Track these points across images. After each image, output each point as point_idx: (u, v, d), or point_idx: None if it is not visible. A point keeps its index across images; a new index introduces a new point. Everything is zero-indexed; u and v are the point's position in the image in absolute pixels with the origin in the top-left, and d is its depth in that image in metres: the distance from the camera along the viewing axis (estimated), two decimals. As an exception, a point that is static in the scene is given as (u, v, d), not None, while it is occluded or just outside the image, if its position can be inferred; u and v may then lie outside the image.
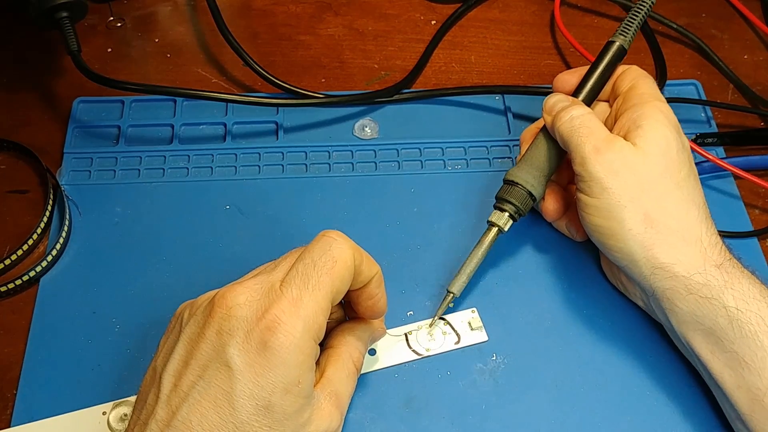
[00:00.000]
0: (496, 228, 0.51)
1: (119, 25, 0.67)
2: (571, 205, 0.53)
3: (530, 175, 0.50)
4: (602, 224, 0.46)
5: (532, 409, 0.48)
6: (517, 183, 0.50)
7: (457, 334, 0.51)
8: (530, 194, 0.50)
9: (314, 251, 0.39)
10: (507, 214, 0.51)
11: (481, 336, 0.50)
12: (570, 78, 0.53)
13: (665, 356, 0.50)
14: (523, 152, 0.53)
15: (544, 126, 0.51)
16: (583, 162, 0.47)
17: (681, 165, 0.47)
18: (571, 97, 0.51)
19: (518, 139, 0.60)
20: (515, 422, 0.47)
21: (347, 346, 0.44)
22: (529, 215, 0.56)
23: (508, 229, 0.51)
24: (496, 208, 0.51)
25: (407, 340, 0.50)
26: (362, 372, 0.49)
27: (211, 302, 0.38)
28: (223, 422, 0.36)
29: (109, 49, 0.65)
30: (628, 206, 0.45)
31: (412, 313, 0.51)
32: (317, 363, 0.41)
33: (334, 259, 0.39)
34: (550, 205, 0.52)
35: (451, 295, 0.50)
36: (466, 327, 0.51)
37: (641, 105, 0.48)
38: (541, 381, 0.49)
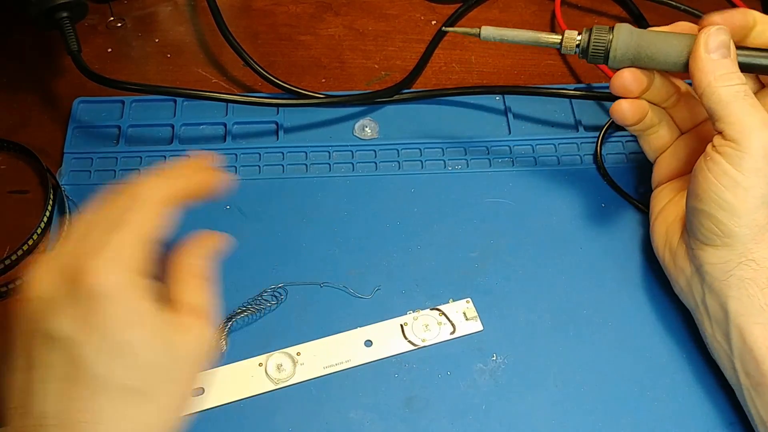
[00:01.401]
0: (559, 37, 0.48)
1: (119, 25, 0.67)
2: (662, 123, 0.51)
3: (630, 36, 0.47)
4: (728, 199, 0.44)
5: (533, 409, 0.48)
6: (612, 30, 0.47)
7: (453, 325, 0.51)
8: (607, 48, 0.47)
9: (124, 195, 0.39)
10: (578, 35, 0.48)
11: (476, 326, 0.51)
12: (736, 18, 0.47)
13: (666, 356, 0.50)
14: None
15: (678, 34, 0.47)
16: (743, 131, 0.44)
17: None
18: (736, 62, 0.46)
19: (518, 139, 0.60)
20: (515, 422, 0.47)
21: (186, 257, 0.41)
22: (530, 215, 0.56)
23: (567, 48, 0.48)
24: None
25: (403, 330, 0.50)
26: (360, 365, 0.49)
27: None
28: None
29: (109, 49, 0.65)
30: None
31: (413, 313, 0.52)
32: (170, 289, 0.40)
33: (130, 193, 0.38)
34: (628, 79, 0.48)
35: (478, 31, 0.47)
36: (461, 317, 0.51)
37: None
38: (542, 381, 0.49)
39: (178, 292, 0.39)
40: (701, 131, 0.52)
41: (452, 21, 0.68)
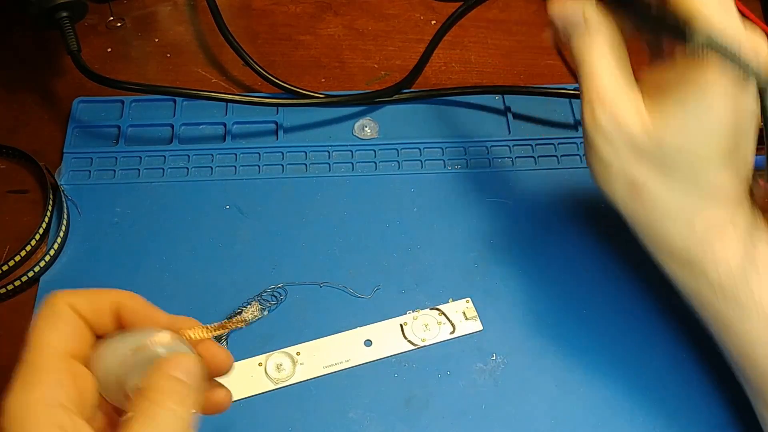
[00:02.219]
0: None
1: (119, 25, 0.67)
2: None
3: None
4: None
5: (532, 409, 0.48)
6: None
7: (452, 324, 0.51)
8: None
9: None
10: None
11: (476, 326, 0.51)
12: None
13: (666, 356, 0.50)
14: None
15: None
16: None
17: None
18: None
19: (518, 139, 0.60)
20: (515, 422, 0.47)
21: (159, 398, 0.33)
22: (530, 215, 0.56)
23: None
24: None
25: (402, 330, 0.50)
26: (360, 365, 0.49)
27: None
28: None
29: (109, 49, 0.65)
30: None
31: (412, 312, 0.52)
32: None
33: (42, 318, 0.34)
34: None
35: None
36: (461, 317, 0.51)
37: None
38: (541, 381, 0.49)
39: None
40: None
41: (452, 21, 0.68)
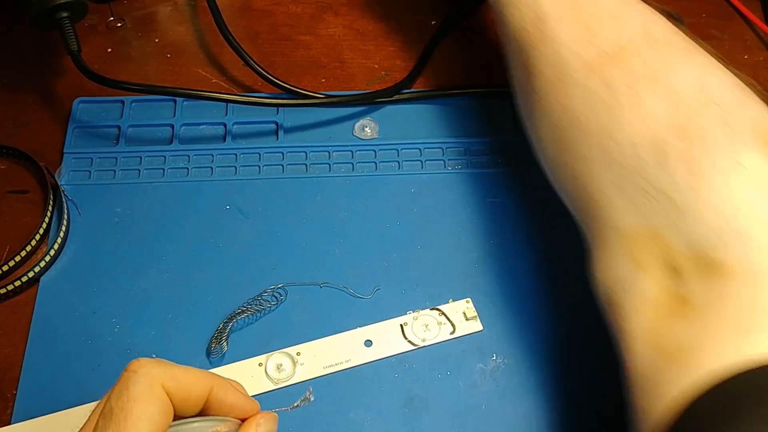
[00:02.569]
0: None
1: (119, 25, 0.67)
2: None
3: None
4: None
5: (533, 409, 0.48)
6: None
7: (452, 324, 0.51)
8: None
9: (111, 397, 0.32)
10: None
11: (476, 326, 0.51)
12: None
13: (665, 356, 0.50)
14: None
15: None
16: None
17: None
18: None
19: (518, 139, 0.60)
20: (515, 422, 0.47)
21: None
22: (530, 215, 0.56)
23: None
24: None
25: (403, 330, 0.50)
26: (360, 365, 0.49)
27: None
28: None
29: (109, 49, 0.65)
30: None
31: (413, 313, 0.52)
32: None
33: (133, 399, 0.31)
34: None
35: None
36: (461, 317, 0.51)
37: None
38: (542, 381, 0.49)
39: None
40: None
41: (452, 21, 0.68)
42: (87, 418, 0.33)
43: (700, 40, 0.46)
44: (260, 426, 0.34)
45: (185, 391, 0.33)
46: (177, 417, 0.33)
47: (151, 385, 0.32)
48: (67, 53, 0.56)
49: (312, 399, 0.42)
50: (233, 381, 0.36)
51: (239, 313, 0.50)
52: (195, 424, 0.33)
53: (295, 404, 0.41)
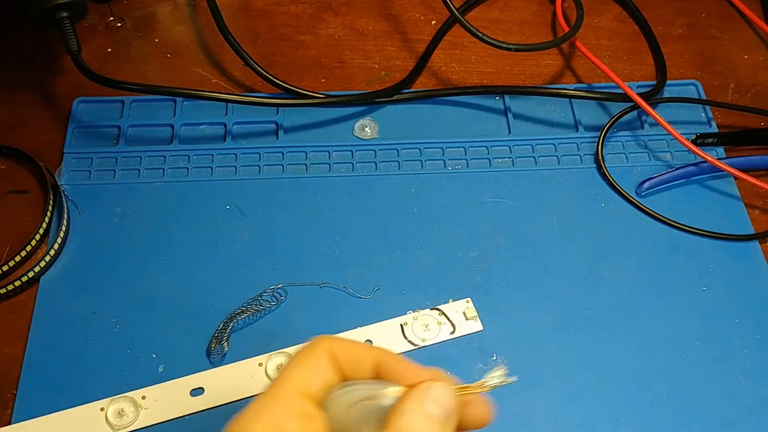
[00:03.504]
0: None
1: (119, 25, 0.67)
2: None
3: None
4: None
5: (532, 409, 0.48)
6: None
7: (453, 324, 0.51)
8: None
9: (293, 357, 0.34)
10: None
11: (476, 326, 0.51)
12: None
13: (665, 356, 0.50)
14: None
15: None
16: None
17: None
18: None
19: (518, 139, 0.60)
20: (515, 422, 0.47)
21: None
22: (530, 215, 0.56)
23: None
24: None
25: (403, 330, 0.50)
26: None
27: None
28: None
29: (109, 49, 0.65)
30: None
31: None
32: None
33: (301, 355, 0.33)
34: None
35: None
36: (461, 317, 0.51)
37: None
38: (542, 381, 0.49)
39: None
40: None
41: (452, 21, 0.68)
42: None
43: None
44: (430, 390, 0.32)
45: (354, 359, 0.33)
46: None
47: (314, 347, 0.33)
48: (67, 53, 0.56)
49: (512, 380, 0.35)
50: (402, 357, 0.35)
51: (239, 313, 0.50)
52: (362, 386, 0.33)
53: (491, 382, 0.34)
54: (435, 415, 0.31)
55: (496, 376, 0.34)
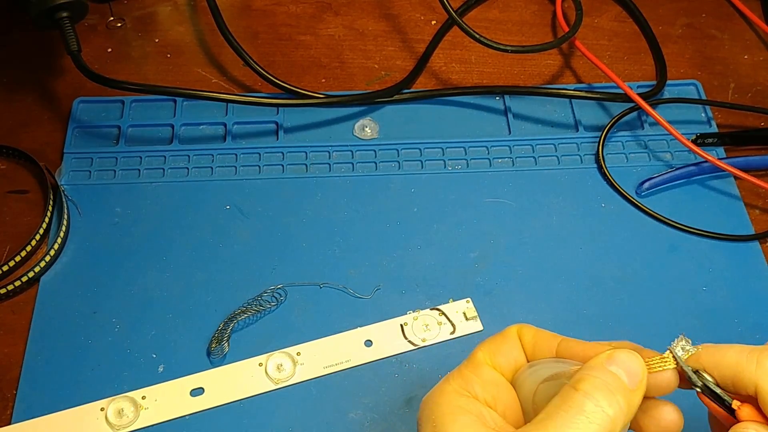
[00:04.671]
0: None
1: (119, 25, 0.67)
2: None
3: None
4: None
5: (532, 409, 0.48)
6: None
7: (453, 324, 0.51)
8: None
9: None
10: None
11: (476, 326, 0.51)
12: None
13: (665, 356, 0.50)
14: None
15: None
16: None
17: None
18: None
19: (518, 139, 0.60)
20: (515, 422, 0.47)
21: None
22: (530, 215, 0.56)
23: None
24: None
25: (403, 330, 0.50)
26: (360, 365, 0.49)
27: None
28: None
29: (109, 49, 0.65)
30: None
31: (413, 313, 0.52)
32: None
33: (496, 334, 0.35)
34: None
35: None
36: (461, 317, 0.51)
37: None
38: (541, 381, 0.49)
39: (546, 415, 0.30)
40: None
41: (452, 22, 0.68)
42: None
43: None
44: (615, 353, 0.31)
45: (539, 342, 0.34)
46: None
47: (508, 330, 0.35)
48: (67, 53, 0.56)
49: (698, 349, 0.32)
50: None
51: (239, 313, 0.50)
52: (550, 364, 0.34)
53: (679, 353, 0.32)
54: (619, 375, 0.30)
55: (680, 347, 0.32)
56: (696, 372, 0.31)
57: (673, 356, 0.31)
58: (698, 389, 0.32)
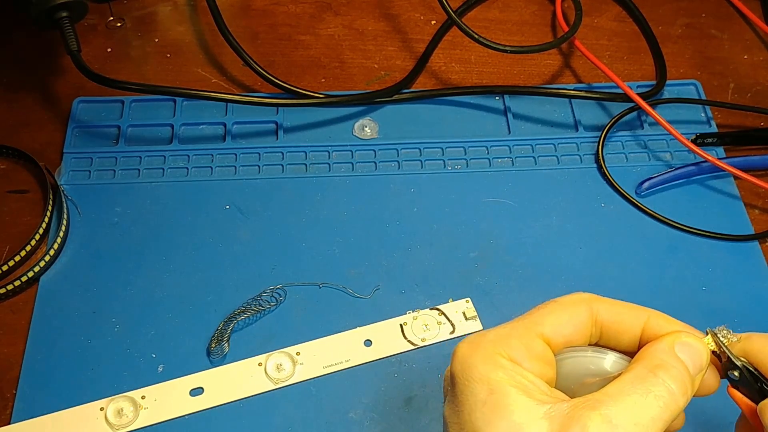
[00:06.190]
0: None
1: (119, 25, 0.67)
2: None
3: None
4: None
5: (532, 409, 0.48)
6: None
7: (452, 324, 0.51)
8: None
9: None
10: None
11: (476, 326, 0.51)
12: None
13: (665, 356, 0.50)
14: None
15: None
16: None
17: None
18: None
19: (518, 139, 0.60)
20: (515, 422, 0.47)
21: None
22: (530, 215, 0.56)
23: None
24: None
25: (402, 330, 0.50)
26: (360, 365, 0.49)
27: None
28: None
29: (109, 49, 0.65)
30: None
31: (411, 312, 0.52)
32: None
33: (564, 302, 0.35)
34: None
35: None
36: (461, 317, 0.51)
37: None
38: (541, 381, 0.49)
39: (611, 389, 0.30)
40: None
41: (451, 22, 0.68)
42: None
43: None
44: (683, 336, 0.31)
45: (619, 321, 0.33)
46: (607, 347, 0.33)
47: (579, 302, 0.34)
48: (67, 53, 0.56)
49: (736, 338, 0.33)
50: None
51: (239, 313, 0.50)
52: (588, 353, 0.33)
53: (724, 339, 0.32)
54: (687, 363, 0.31)
55: (722, 335, 0.32)
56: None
57: (713, 338, 0.32)
58: (735, 376, 0.32)
